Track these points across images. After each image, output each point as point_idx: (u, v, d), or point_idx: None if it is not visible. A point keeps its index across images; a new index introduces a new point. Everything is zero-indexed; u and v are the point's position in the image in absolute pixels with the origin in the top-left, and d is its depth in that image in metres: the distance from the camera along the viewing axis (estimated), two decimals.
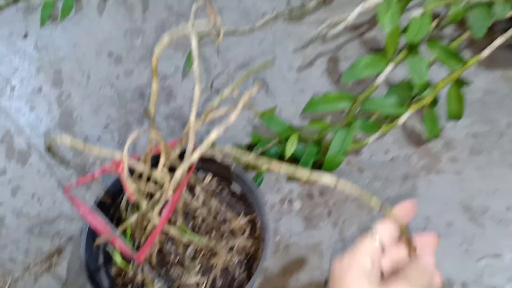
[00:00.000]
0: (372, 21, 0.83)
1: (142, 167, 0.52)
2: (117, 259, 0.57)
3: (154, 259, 0.60)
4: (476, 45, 0.78)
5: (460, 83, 0.69)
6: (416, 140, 0.74)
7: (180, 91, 0.83)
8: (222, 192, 0.68)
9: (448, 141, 0.74)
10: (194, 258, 0.62)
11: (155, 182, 0.54)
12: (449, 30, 0.81)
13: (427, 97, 0.69)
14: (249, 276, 0.62)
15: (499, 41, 0.69)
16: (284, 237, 0.71)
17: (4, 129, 0.86)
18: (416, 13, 0.67)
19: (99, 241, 0.54)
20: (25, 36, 0.92)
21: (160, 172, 0.50)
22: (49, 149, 0.53)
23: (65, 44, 0.90)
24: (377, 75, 0.69)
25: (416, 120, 0.76)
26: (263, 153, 0.74)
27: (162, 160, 0.50)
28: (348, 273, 0.38)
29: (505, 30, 0.72)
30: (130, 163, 0.49)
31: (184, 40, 0.85)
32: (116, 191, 0.63)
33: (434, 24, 0.78)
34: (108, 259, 0.64)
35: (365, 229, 0.70)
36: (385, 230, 0.43)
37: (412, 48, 0.67)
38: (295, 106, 0.80)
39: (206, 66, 0.84)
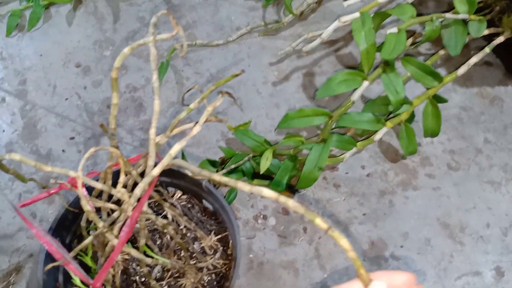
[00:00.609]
0: (348, 36, 0.82)
1: (100, 185, 0.49)
2: (76, 281, 0.53)
3: (117, 280, 0.56)
4: (452, 62, 0.78)
5: (436, 100, 0.68)
6: (392, 156, 0.73)
7: (151, 103, 0.80)
8: (193, 209, 0.65)
9: (425, 157, 0.73)
10: (161, 278, 0.58)
11: (117, 200, 0.51)
12: (424, 48, 0.81)
13: (403, 113, 0.69)
14: None
15: (474, 59, 0.70)
16: (258, 254, 0.68)
17: None
18: (392, 30, 0.66)
19: (50, 266, 0.50)
20: None
21: (118, 190, 0.47)
22: (0, 165, 0.49)
23: (32, 54, 0.86)
24: (353, 90, 0.68)
25: (393, 136, 0.75)
26: (236, 168, 0.72)
27: (121, 177, 0.47)
28: None
29: (481, 48, 0.72)
30: (87, 182, 0.46)
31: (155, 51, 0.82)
32: (79, 206, 0.59)
33: (409, 41, 0.79)
34: (68, 278, 0.59)
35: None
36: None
37: (387, 65, 0.66)
38: (270, 120, 0.78)
39: (178, 79, 0.82)
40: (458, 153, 0.73)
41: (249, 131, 0.73)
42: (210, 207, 0.65)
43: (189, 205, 0.65)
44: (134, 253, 0.47)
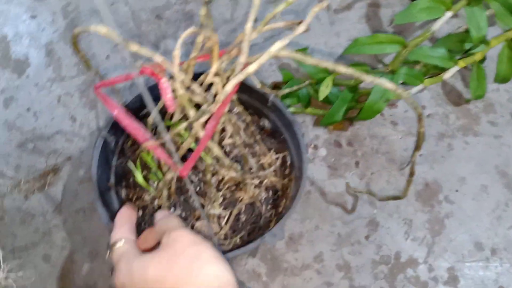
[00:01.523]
0: None
1: (182, 76, 0.45)
2: (138, 178, 0.50)
3: (173, 186, 0.53)
4: None
5: None
6: (455, 99, 0.70)
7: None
8: (250, 126, 0.62)
9: (489, 104, 0.70)
10: (217, 189, 0.56)
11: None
12: None
13: (478, 53, 0.65)
14: (276, 214, 0.56)
15: None
16: (306, 183, 0.65)
17: (0, 34, 0.77)
18: None
19: (144, 146, 0.46)
20: None
21: (211, 77, 0.43)
22: (74, 43, 0.44)
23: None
24: (425, 24, 0.64)
25: (457, 79, 0.71)
26: (291, 94, 0.68)
27: (214, 66, 0.43)
28: None
29: None
30: (170, 69, 0.42)
31: None
32: (136, 108, 0.56)
33: None
34: (120, 179, 0.57)
35: (392, 184, 0.65)
36: None
37: None
38: (328, 49, 0.74)
39: None
40: None
41: (308, 55, 0.69)
42: (267, 126, 0.62)
43: (247, 121, 0.61)
44: (217, 150, 0.44)
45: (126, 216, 0.44)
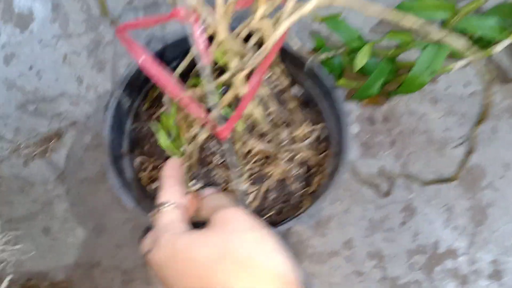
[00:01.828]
0: None
1: (218, 23, 0.38)
2: (162, 140, 0.43)
3: (195, 155, 0.47)
4: None
5: None
6: (502, 76, 0.64)
7: None
8: (282, 94, 0.55)
9: None
10: (245, 162, 0.49)
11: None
12: None
13: None
14: (310, 193, 0.50)
15: None
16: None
17: None
18: None
19: (174, 99, 0.39)
20: None
21: (256, 22, 0.36)
22: None
23: None
24: None
25: (504, 55, 0.65)
26: (324, 64, 0.62)
27: (262, 7, 0.37)
28: None
29: None
30: (204, 13, 0.35)
31: None
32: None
33: None
34: (133, 147, 0.50)
35: (431, 167, 0.59)
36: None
37: None
38: (362, 16, 0.67)
39: None
40: None
41: (343, 21, 0.62)
42: (299, 94, 0.56)
43: (278, 88, 0.55)
44: (259, 111, 0.37)
45: (178, 172, 0.36)
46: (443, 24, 0.57)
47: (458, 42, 0.37)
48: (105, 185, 0.58)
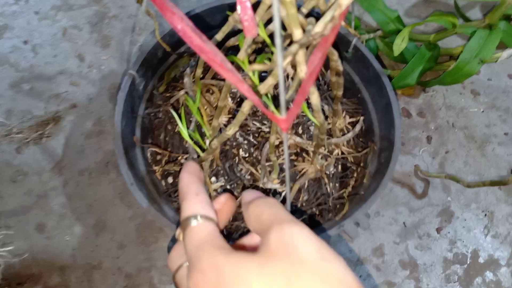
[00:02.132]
0: None
1: None
2: (184, 132, 0.37)
3: (217, 150, 0.40)
4: None
5: None
6: None
7: None
8: (321, 79, 0.49)
9: None
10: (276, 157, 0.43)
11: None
12: None
13: None
14: (349, 195, 0.44)
15: None
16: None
17: None
18: None
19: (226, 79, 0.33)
20: None
21: None
22: None
23: None
24: None
25: None
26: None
27: None
28: None
29: None
30: None
31: None
32: (176, 40, 0.42)
33: None
34: (146, 134, 0.44)
35: (473, 166, 0.54)
36: None
37: None
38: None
39: None
40: None
41: (380, 1, 0.56)
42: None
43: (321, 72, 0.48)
44: (316, 99, 0.31)
45: (199, 177, 0.29)
46: (497, 7, 0.51)
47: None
48: (108, 176, 0.51)
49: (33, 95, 0.54)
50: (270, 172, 0.41)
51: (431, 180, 0.53)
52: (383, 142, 0.42)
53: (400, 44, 0.52)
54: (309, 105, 0.45)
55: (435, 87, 0.56)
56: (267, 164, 0.41)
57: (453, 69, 0.50)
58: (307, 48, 0.32)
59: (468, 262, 0.50)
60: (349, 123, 0.46)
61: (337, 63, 0.37)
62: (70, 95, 0.55)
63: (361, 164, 0.44)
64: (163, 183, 0.42)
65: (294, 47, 0.25)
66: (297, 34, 0.28)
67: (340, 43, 0.44)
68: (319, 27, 0.27)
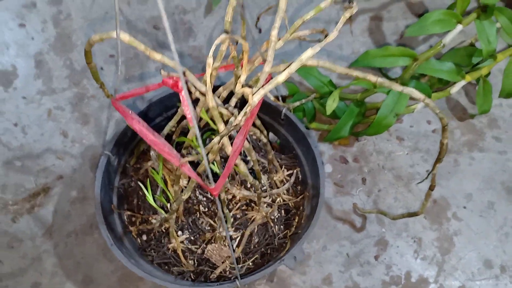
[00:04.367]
0: None
1: (203, 88, 0.42)
2: (149, 198, 0.46)
3: (181, 207, 0.50)
4: None
5: None
6: (460, 114, 0.69)
7: (201, 29, 0.73)
8: (259, 141, 0.59)
9: (492, 119, 0.69)
10: (228, 209, 0.53)
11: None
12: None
13: (485, 68, 0.64)
14: (291, 235, 0.53)
15: None
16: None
17: None
18: None
19: (151, 165, 0.43)
20: None
21: (239, 87, 0.40)
22: (88, 52, 0.40)
23: None
24: (429, 37, 0.63)
25: (461, 94, 0.70)
26: (297, 109, 0.66)
27: (243, 76, 0.40)
28: None
29: None
30: (192, 80, 0.39)
31: None
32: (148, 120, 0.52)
33: None
34: (122, 201, 0.53)
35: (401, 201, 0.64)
36: None
37: (484, 11, 0.60)
38: (331, 61, 0.72)
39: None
40: None
41: (315, 69, 0.67)
42: (276, 141, 0.60)
43: (255, 137, 0.58)
44: (243, 167, 0.41)
45: None
46: (406, 69, 0.62)
47: (417, 94, 0.41)
48: (92, 236, 0.60)
49: (24, 170, 0.64)
50: (226, 222, 0.50)
51: (368, 216, 0.63)
52: (313, 190, 0.52)
53: (331, 104, 0.63)
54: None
55: (367, 136, 0.67)
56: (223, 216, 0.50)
57: (374, 122, 0.61)
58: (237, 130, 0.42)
59: (403, 283, 0.60)
60: (287, 175, 0.56)
61: (261, 137, 0.48)
62: (56, 168, 0.64)
63: (301, 208, 0.54)
64: (139, 240, 0.51)
65: (216, 139, 0.36)
66: (220, 127, 0.38)
67: (275, 112, 0.55)
68: (237, 120, 0.37)
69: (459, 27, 0.60)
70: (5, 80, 0.69)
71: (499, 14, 0.62)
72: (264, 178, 0.54)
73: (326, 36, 0.41)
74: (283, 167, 0.56)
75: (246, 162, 0.53)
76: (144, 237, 0.51)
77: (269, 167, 0.54)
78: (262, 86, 0.38)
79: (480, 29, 0.60)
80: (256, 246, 0.52)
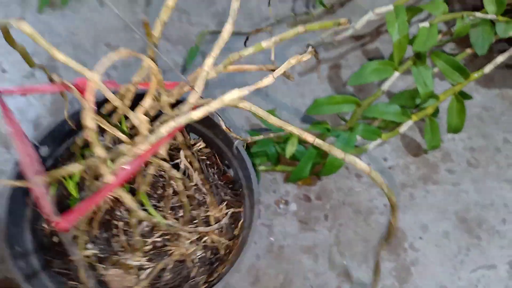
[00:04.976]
0: (375, 32, 0.84)
1: (117, 101, 0.41)
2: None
3: (97, 219, 0.48)
4: (476, 63, 0.79)
5: (462, 96, 0.70)
6: (414, 150, 0.75)
7: None
8: (211, 167, 0.58)
9: (446, 153, 0.74)
10: (148, 234, 0.51)
11: (127, 130, 0.45)
12: (449, 47, 0.83)
13: (429, 107, 0.70)
14: (208, 282, 0.51)
15: (500, 58, 0.71)
16: (279, 238, 0.69)
17: None
18: (424, 24, 0.68)
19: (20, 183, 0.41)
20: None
21: (137, 116, 0.40)
22: (7, 35, 0.40)
23: (63, 31, 0.87)
24: (381, 82, 0.70)
25: (416, 131, 0.76)
26: (261, 152, 0.73)
27: (147, 101, 0.41)
28: None
29: (503, 51, 0.73)
30: (101, 88, 0.37)
31: (184, 34, 0.84)
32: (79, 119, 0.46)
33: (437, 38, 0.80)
34: (38, 216, 0.51)
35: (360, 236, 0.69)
36: None
37: (418, 58, 0.67)
38: (294, 108, 0.79)
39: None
40: (478, 151, 0.75)
41: (274, 115, 0.74)
42: (230, 173, 0.60)
43: (208, 162, 0.58)
44: (128, 201, 0.41)
45: None
46: (352, 114, 0.69)
47: (338, 154, 0.47)
48: None
49: None
50: (136, 249, 0.50)
51: (329, 249, 0.68)
52: (248, 233, 0.51)
53: (291, 149, 0.70)
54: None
55: (327, 175, 0.73)
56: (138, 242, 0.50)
57: (326, 164, 0.68)
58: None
59: None
60: (226, 213, 0.55)
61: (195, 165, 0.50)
62: None
63: (231, 254, 0.52)
64: (51, 240, 0.50)
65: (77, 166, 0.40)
66: (98, 151, 0.39)
67: (229, 142, 0.56)
68: (126, 149, 0.41)
69: (396, 74, 0.67)
70: None
71: (436, 58, 0.68)
72: (200, 211, 0.53)
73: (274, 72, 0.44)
74: (225, 203, 0.56)
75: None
76: (56, 239, 0.50)
77: (208, 200, 0.53)
78: (173, 118, 0.39)
79: (416, 74, 0.66)
80: (165, 285, 0.50)
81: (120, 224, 0.51)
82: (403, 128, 0.70)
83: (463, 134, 0.75)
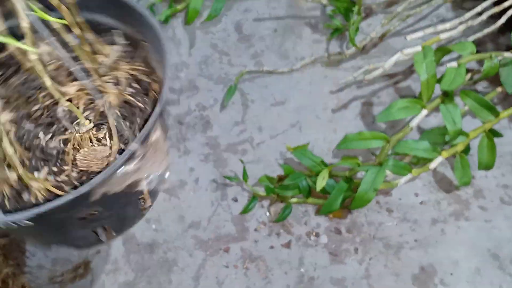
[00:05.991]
0: (407, 70, 0.87)
1: None
2: None
3: (17, 148, 0.44)
4: (509, 101, 0.80)
5: (492, 133, 0.71)
6: (446, 186, 0.76)
7: (218, 121, 0.86)
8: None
9: (478, 189, 0.75)
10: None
11: None
12: (481, 86, 0.84)
13: (459, 144, 0.71)
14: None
15: None
16: (309, 269, 0.71)
17: None
18: (452, 64, 0.70)
19: None
20: None
21: None
22: None
23: None
24: (411, 119, 0.72)
25: (447, 167, 0.77)
26: (293, 185, 0.76)
27: None
28: None
29: None
30: None
31: (225, 74, 0.90)
32: None
33: (468, 77, 0.82)
34: None
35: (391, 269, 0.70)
36: None
37: (446, 96, 0.69)
38: (327, 144, 0.82)
39: (243, 101, 0.88)
40: (511, 188, 0.74)
41: (308, 151, 0.77)
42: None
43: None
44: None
45: None
46: (381, 150, 0.71)
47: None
48: None
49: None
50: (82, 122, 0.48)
51: (359, 282, 0.69)
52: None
53: (321, 182, 0.73)
54: None
55: (357, 209, 0.75)
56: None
57: (355, 198, 0.70)
58: None
59: None
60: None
61: None
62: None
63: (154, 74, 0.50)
64: None
65: None
66: None
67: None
68: None
69: (424, 112, 0.69)
70: None
71: (465, 97, 0.70)
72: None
73: None
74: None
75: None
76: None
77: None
78: None
79: (444, 112, 0.68)
80: (131, 127, 0.48)
81: (41, 135, 0.48)
82: (433, 164, 0.72)
83: (496, 171, 0.75)
